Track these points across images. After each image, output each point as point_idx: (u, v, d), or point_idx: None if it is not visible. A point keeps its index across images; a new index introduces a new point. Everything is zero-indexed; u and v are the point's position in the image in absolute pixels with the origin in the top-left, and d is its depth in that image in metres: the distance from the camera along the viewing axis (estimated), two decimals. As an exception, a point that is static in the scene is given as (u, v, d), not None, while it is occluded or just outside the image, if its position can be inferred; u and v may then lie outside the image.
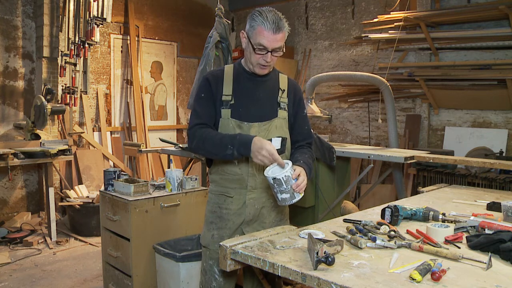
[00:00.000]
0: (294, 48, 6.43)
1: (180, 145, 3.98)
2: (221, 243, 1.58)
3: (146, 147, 5.72)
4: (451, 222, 1.83)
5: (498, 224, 1.67)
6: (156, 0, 6.36)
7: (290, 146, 2.03)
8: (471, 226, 1.72)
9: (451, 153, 4.25)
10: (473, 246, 1.54)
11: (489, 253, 1.45)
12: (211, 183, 2.06)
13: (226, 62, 3.84)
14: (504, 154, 4.17)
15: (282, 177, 1.69)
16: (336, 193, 3.68)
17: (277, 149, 1.79)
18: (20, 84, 5.11)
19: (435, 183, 3.84)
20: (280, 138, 1.96)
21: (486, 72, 4.34)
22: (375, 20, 5.02)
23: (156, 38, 6.38)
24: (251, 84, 1.96)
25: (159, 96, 6.50)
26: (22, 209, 5.11)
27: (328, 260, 1.31)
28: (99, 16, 5.18)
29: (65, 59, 5.08)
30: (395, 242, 1.56)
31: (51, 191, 4.50)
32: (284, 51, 1.88)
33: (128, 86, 6.13)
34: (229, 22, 4.34)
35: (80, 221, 4.66)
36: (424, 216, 1.90)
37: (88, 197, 4.85)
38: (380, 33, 5.09)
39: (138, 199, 2.79)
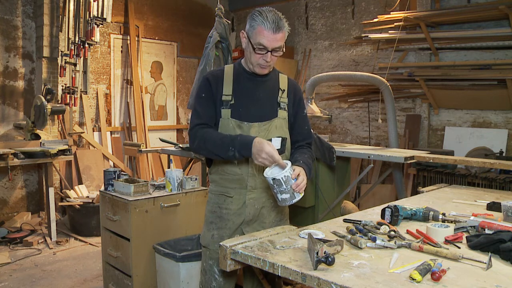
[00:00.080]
0: (294, 48, 6.43)
1: (180, 145, 3.98)
2: (221, 243, 1.58)
3: (146, 147, 5.72)
4: (451, 222, 1.83)
5: (498, 224, 1.67)
6: (156, 0, 6.36)
7: (290, 146, 2.03)
8: (471, 226, 1.72)
9: (451, 153, 4.25)
10: (473, 246, 1.54)
11: (489, 253, 1.45)
12: (211, 183, 2.06)
13: (226, 62, 3.84)
14: (504, 154, 4.16)
15: (282, 178, 1.69)
16: (336, 193, 3.68)
17: (277, 149, 1.79)
18: (20, 84, 5.11)
19: (435, 183, 3.84)
20: (280, 138, 1.96)
21: (486, 72, 4.34)
22: (375, 20, 5.02)
23: (156, 38, 6.38)
24: (251, 84, 1.95)
25: (159, 96, 6.50)
26: (22, 209, 5.11)
27: (328, 260, 1.31)
28: (99, 16, 5.18)
29: (65, 59, 5.08)
30: (395, 242, 1.56)
31: (51, 191, 4.50)
32: (284, 51, 1.88)
33: (128, 86, 6.13)
34: (229, 22, 4.34)
35: (80, 221, 4.66)
36: (424, 216, 1.90)
37: (88, 197, 4.85)
38: (380, 33, 5.09)
39: (138, 199, 2.80)
